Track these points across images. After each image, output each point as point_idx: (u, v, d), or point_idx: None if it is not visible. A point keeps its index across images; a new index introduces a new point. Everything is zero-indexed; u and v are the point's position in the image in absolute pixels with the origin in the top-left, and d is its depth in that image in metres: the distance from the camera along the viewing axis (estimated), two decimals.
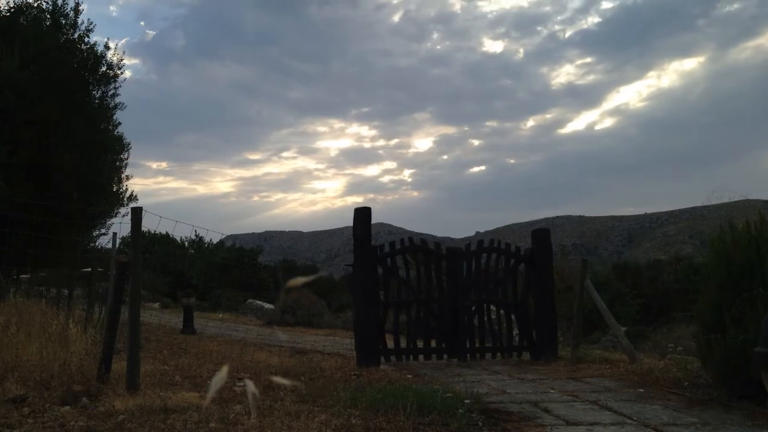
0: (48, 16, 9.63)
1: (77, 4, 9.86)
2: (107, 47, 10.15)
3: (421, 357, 6.69)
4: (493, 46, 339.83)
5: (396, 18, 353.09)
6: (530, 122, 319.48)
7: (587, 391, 4.58)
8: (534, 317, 7.11)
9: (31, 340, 4.58)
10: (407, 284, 6.88)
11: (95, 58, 9.86)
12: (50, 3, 9.71)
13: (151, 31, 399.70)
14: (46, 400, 3.67)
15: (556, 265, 10.67)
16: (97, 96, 10.11)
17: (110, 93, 10.25)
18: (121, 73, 10.24)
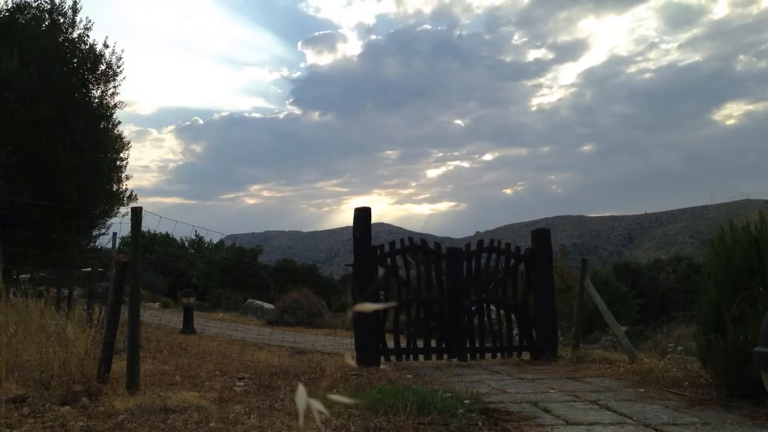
0: (47, 15, 9.61)
1: (75, 3, 9.84)
2: (106, 45, 10.13)
3: (421, 357, 6.68)
4: (565, 92, 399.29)
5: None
6: (585, 148, 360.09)
7: (587, 390, 4.58)
8: (534, 317, 7.10)
9: (31, 340, 4.57)
10: (407, 284, 6.87)
11: (94, 56, 9.85)
12: (48, 2, 9.69)
13: (318, 90, 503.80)
14: (46, 399, 3.67)
15: (556, 264, 10.66)
16: (97, 95, 10.10)
17: (110, 92, 10.24)
18: (120, 71, 10.23)
